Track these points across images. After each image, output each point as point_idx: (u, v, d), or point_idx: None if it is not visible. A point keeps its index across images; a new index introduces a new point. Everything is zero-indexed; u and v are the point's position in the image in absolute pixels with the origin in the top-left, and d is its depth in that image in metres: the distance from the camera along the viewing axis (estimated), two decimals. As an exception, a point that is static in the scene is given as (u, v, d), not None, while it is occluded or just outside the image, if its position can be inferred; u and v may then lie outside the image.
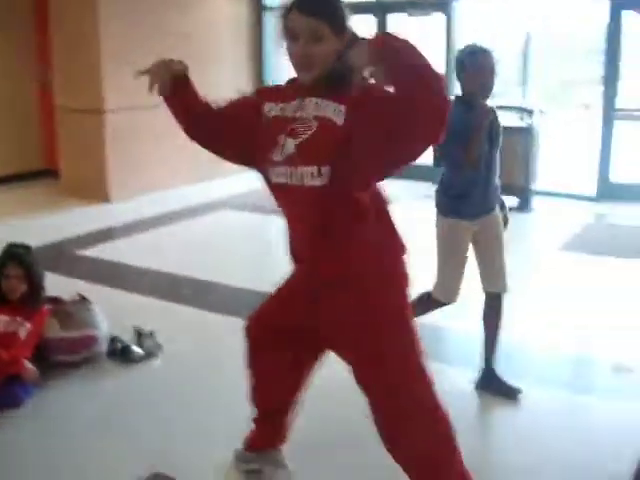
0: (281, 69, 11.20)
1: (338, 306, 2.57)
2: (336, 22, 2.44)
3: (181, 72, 2.71)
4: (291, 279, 2.80)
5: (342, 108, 2.39)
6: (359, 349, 2.59)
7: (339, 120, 2.39)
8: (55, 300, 4.31)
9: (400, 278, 2.61)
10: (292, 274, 2.79)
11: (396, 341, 2.56)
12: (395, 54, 2.19)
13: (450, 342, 4.83)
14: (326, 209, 2.47)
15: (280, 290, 2.87)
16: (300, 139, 2.45)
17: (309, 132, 2.43)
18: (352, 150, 2.38)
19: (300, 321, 2.75)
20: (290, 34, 2.44)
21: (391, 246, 2.59)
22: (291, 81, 2.62)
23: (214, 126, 2.80)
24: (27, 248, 4.13)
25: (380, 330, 2.55)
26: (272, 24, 10.88)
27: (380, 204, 2.56)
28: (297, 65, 2.47)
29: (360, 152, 2.38)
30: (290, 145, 2.46)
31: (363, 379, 2.61)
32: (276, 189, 2.57)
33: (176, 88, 2.72)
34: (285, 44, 2.48)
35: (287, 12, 2.45)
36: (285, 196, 2.56)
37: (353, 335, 2.58)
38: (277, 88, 2.75)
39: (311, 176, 2.41)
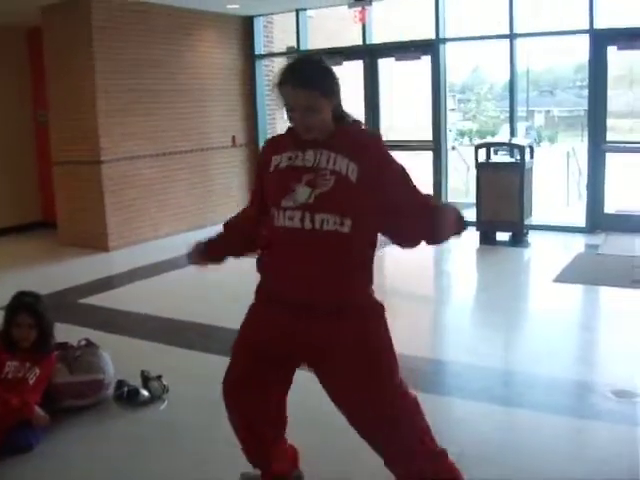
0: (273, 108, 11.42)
1: (337, 332, 2.74)
2: (327, 88, 2.72)
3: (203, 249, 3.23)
4: (267, 314, 2.92)
5: (355, 167, 2.68)
6: (354, 371, 2.76)
7: (353, 177, 2.67)
8: (63, 345, 4.36)
9: (382, 308, 2.85)
10: (265, 310, 2.94)
11: (388, 363, 2.78)
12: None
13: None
14: (345, 249, 2.71)
15: (251, 330, 3.01)
16: (320, 190, 2.67)
17: (328, 185, 2.67)
18: (366, 203, 2.69)
19: (284, 349, 2.86)
20: (287, 106, 2.71)
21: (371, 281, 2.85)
22: (291, 129, 2.84)
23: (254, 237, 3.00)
24: (36, 296, 4.16)
25: (375, 353, 2.77)
26: (262, 70, 11.12)
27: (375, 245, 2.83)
28: (299, 128, 2.74)
29: (372, 206, 2.70)
30: (305, 193, 2.68)
31: (349, 397, 2.80)
32: (280, 231, 2.74)
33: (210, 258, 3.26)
34: (285, 109, 2.75)
35: (280, 84, 2.70)
36: (294, 239, 2.73)
37: (350, 357, 2.76)
38: (281, 138, 2.95)
39: (333, 223, 2.66)
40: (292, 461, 3.27)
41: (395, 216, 2.75)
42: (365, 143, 2.78)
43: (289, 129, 2.88)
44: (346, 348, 2.76)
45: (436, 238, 2.80)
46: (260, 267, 2.92)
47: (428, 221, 2.71)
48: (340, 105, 2.82)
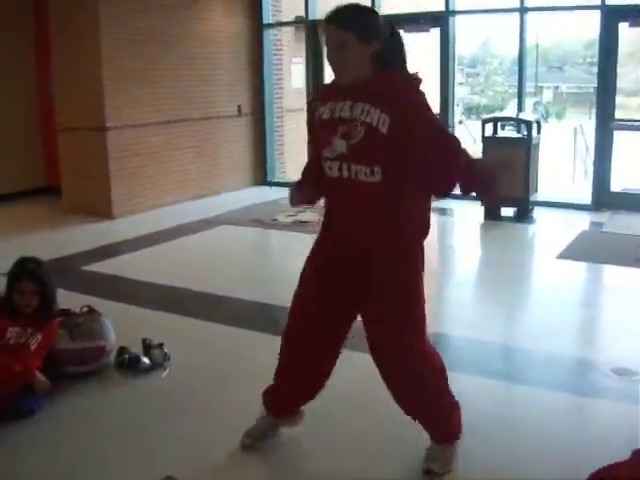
0: (280, 78, 11.35)
1: (375, 267, 3.00)
2: (361, 30, 2.82)
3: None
4: (326, 251, 3.15)
5: (387, 119, 2.80)
6: (385, 300, 3.04)
7: (384, 129, 2.80)
8: (64, 312, 4.36)
9: (420, 254, 3.07)
10: (325, 246, 3.16)
11: (415, 298, 3.07)
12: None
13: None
14: (377, 198, 2.90)
15: (316, 267, 3.20)
16: (351, 141, 2.85)
17: (359, 136, 2.84)
18: (397, 154, 2.83)
19: (340, 283, 3.10)
20: (325, 44, 2.90)
21: (421, 229, 3.06)
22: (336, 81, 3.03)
23: None
24: (39, 262, 4.16)
25: (406, 288, 3.04)
26: (270, 39, 11.03)
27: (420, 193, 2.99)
28: (332, 69, 2.92)
29: (403, 156, 2.83)
30: (341, 145, 2.88)
31: (379, 334, 3.10)
32: (329, 180, 3.01)
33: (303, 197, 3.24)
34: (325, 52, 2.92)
35: (323, 23, 2.90)
36: (337, 186, 2.98)
37: (384, 288, 3.03)
38: (327, 88, 3.19)
39: (365, 174, 2.85)
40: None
41: (425, 168, 2.87)
42: (399, 93, 2.87)
43: (333, 79, 3.03)
44: (376, 290, 3.03)
45: (465, 185, 3.00)
46: (324, 212, 3.19)
47: (456, 168, 2.90)
48: (384, 52, 2.89)
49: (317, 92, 3.16)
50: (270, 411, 3.43)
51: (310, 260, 3.22)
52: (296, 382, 3.33)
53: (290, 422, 3.49)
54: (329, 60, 2.90)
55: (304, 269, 3.24)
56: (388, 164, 2.83)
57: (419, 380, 3.11)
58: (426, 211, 3.06)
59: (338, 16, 2.86)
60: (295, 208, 3.50)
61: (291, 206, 3.35)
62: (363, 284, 3.05)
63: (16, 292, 4.00)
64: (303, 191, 3.21)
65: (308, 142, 3.26)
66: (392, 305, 3.03)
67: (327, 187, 3.06)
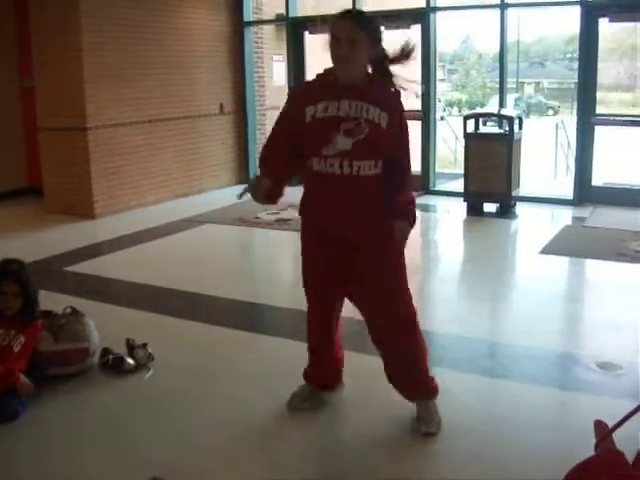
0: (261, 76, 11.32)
1: (367, 259, 3.30)
2: (372, 32, 3.14)
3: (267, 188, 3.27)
4: (318, 247, 3.40)
5: (385, 116, 3.12)
6: (376, 289, 3.37)
7: (384, 124, 3.12)
8: (48, 314, 4.33)
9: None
10: (317, 242, 3.40)
11: (400, 283, 3.41)
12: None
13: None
14: (374, 189, 3.20)
15: (312, 261, 3.48)
16: (357, 139, 3.09)
17: (364, 133, 3.09)
18: (392, 147, 3.18)
19: (336, 273, 3.39)
20: (334, 38, 3.10)
21: None
22: (322, 76, 3.25)
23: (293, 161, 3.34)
24: (21, 264, 4.11)
25: (393, 274, 3.38)
26: (251, 37, 11.00)
27: None
28: (338, 63, 3.12)
29: (394, 149, 3.21)
30: (345, 142, 3.09)
31: (372, 307, 3.45)
32: (320, 176, 3.19)
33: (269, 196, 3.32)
34: (330, 48, 3.12)
35: (335, 21, 3.15)
36: (334, 182, 3.17)
37: (375, 277, 3.35)
38: (311, 87, 3.35)
39: (368, 168, 3.13)
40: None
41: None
42: (391, 97, 3.22)
43: (319, 76, 3.27)
44: (374, 273, 3.34)
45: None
46: (304, 210, 3.41)
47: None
48: (380, 58, 3.22)
49: (299, 87, 3.37)
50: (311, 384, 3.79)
51: (304, 249, 3.49)
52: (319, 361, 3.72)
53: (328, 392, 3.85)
54: (336, 52, 3.09)
55: (303, 253, 3.52)
56: (386, 157, 3.16)
57: (411, 336, 3.46)
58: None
59: (357, 14, 3.25)
60: (261, 205, 3.70)
61: (256, 202, 3.33)
62: (355, 267, 3.34)
63: (-2, 293, 3.97)
64: (266, 180, 3.23)
65: (275, 125, 3.31)
66: (386, 280, 3.36)
67: (318, 183, 3.23)
